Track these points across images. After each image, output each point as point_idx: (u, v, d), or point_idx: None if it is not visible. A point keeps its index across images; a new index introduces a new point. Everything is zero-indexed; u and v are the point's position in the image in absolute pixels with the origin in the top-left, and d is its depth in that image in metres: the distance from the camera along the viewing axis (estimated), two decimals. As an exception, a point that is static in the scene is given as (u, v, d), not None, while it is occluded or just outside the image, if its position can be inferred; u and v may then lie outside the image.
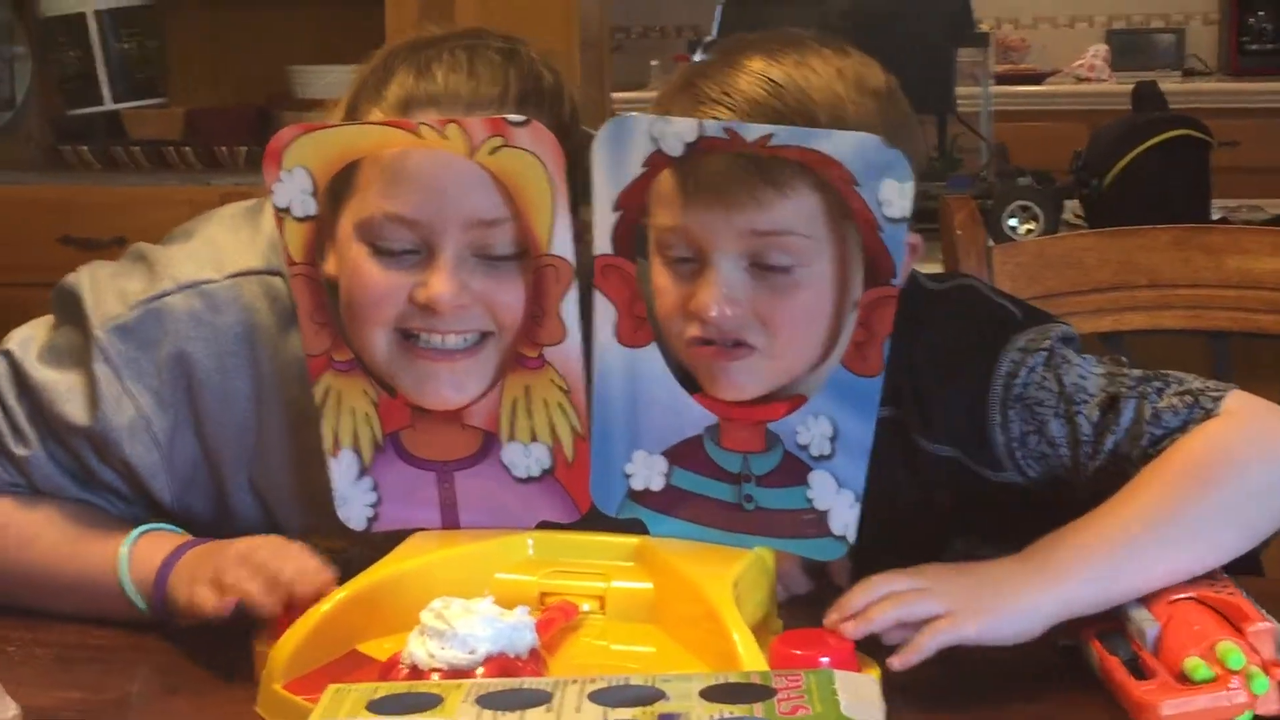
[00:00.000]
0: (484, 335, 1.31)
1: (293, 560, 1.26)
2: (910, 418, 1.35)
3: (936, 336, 1.35)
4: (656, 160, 1.23)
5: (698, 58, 3.34)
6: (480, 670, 1.10)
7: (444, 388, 1.31)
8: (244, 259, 1.42)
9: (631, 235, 1.26)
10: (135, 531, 1.36)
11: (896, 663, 1.15)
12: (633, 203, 1.25)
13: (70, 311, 1.43)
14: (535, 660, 1.13)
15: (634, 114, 1.23)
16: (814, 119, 1.23)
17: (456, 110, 1.30)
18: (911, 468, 1.36)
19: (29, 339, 1.43)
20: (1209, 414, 1.27)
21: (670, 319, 1.28)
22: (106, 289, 1.42)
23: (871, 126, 1.22)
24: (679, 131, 1.21)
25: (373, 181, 1.29)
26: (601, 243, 1.27)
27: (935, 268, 1.95)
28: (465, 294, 1.28)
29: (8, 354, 1.42)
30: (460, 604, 1.13)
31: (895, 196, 1.18)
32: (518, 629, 1.13)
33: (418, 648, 1.11)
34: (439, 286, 1.28)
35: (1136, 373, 1.31)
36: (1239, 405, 1.28)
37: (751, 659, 1.11)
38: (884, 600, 1.17)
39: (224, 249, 1.43)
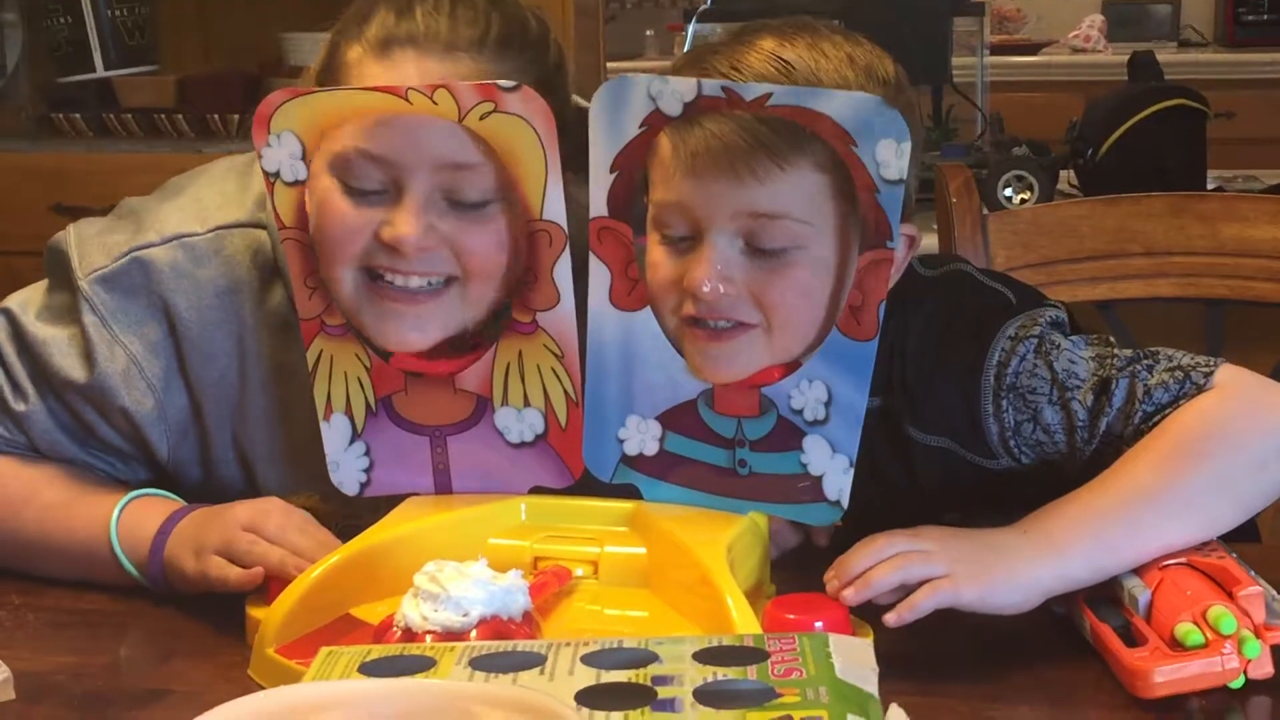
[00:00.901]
0: (449, 280, 1.30)
1: (310, 535, 1.27)
2: (900, 407, 1.35)
3: (927, 325, 1.34)
4: (654, 120, 1.22)
5: (692, 28, 3.33)
6: (473, 633, 1.10)
7: (406, 329, 1.30)
8: (228, 213, 1.42)
9: (628, 198, 1.26)
10: (127, 496, 1.36)
11: (892, 619, 1.15)
12: (630, 164, 1.24)
13: (59, 269, 1.43)
14: (529, 623, 1.13)
15: (632, 74, 1.23)
16: None
17: (434, 50, 1.30)
18: (902, 458, 1.36)
19: (27, 300, 1.44)
20: (1200, 389, 1.27)
21: (663, 294, 1.27)
22: (91, 243, 1.42)
23: None
24: (677, 90, 1.21)
25: (347, 118, 1.28)
26: (597, 205, 1.26)
27: (930, 238, 1.94)
28: (431, 235, 1.28)
29: (7, 311, 1.43)
30: (454, 567, 1.13)
31: (893, 157, 1.18)
32: (511, 592, 1.13)
33: (411, 610, 1.11)
34: (404, 226, 1.27)
35: (1126, 352, 1.31)
36: (1230, 379, 1.28)
37: (746, 623, 1.11)
38: (885, 563, 1.17)
39: (209, 204, 1.43)
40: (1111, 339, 1.34)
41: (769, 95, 1.18)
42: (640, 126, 1.23)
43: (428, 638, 1.09)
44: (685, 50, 1.35)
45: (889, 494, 1.35)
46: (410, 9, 1.31)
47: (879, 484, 1.32)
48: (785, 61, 1.24)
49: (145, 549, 1.32)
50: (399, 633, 1.11)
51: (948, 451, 1.35)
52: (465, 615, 1.10)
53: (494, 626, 1.10)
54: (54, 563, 1.37)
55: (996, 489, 1.35)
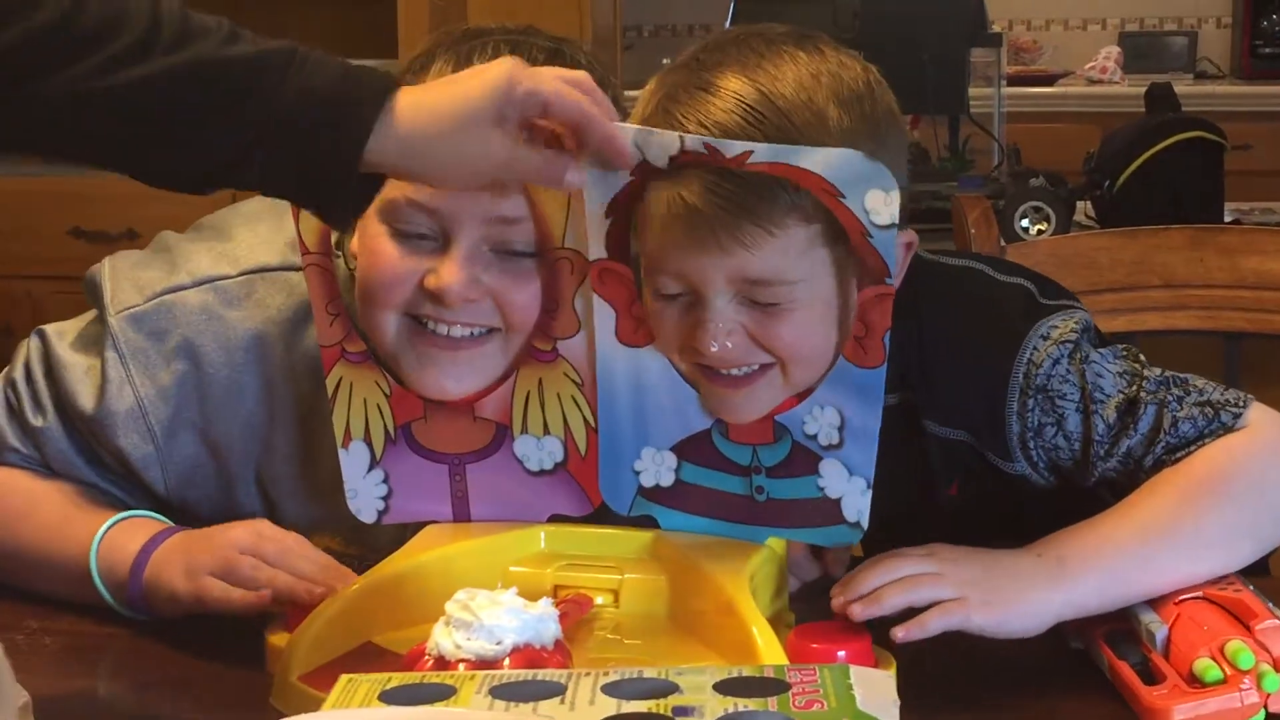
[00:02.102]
0: (490, 330, 1.30)
1: (310, 560, 1.27)
2: (920, 400, 1.34)
3: (947, 318, 1.34)
4: (642, 170, 1.21)
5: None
6: (507, 661, 1.09)
7: (444, 377, 1.31)
8: (261, 255, 1.43)
9: (624, 239, 1.26)
10: (115, 517, 1.36)
11: (900, 633, 1.15)
12: (624, 208, 1.24)
13: (94, 301, 1.44)
14: (560, 651, 1.13)
15: (618, 124, 1.22)
16: (794, 140, 1.20)
17: None
18: (918, 453, 1.36)
19: (66, 327, 1.45)
20: (1227, 429, 1.27)
21: (667, 345, 1.27)
22: (125, 278, 1.43)
23: (854, 134, 1.21)
24: (662, 143, 1.20)
25: None
26: (596, 248, 1.26)
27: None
28: (476, 287, 1.28)
29: (42, 333, 1.44)
30: (485, 595, 1.12)
31: (881, 205, 1.17)
32: (543, 620, 1.12)
33: (444, 639, 1.10)
34: (449, 276, 1.27)
35: (1156, 374, 1.31)
36: (1260, 420, 1.28)
37: (771, 652, 1.11)
38: (896, 583, 1.17)
39: (242, 245, 1.44)
40: (1141, 355, 1.34)
41: (750, 153, 1.17)
42: (630, 175, 1.22)
43: (461, 666, 1.08)
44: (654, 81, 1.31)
45: (904, 502, 1.35)
46: (468, 60, 1.31)
47: (895, 482, 1.31)
48: (751, 108, 1.21)
49: (125, 569, 1.32)
50: (431, 661, 1.10)
51: (965, 446, 1.34)
52: (499, 644, 1.09)
53: (527, 655, 1.10)
54: (47, 580, 1.37)
55: (1012, 509, 1.35)
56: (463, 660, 1.09)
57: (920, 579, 1.18)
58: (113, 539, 1.34)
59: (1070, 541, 1.22)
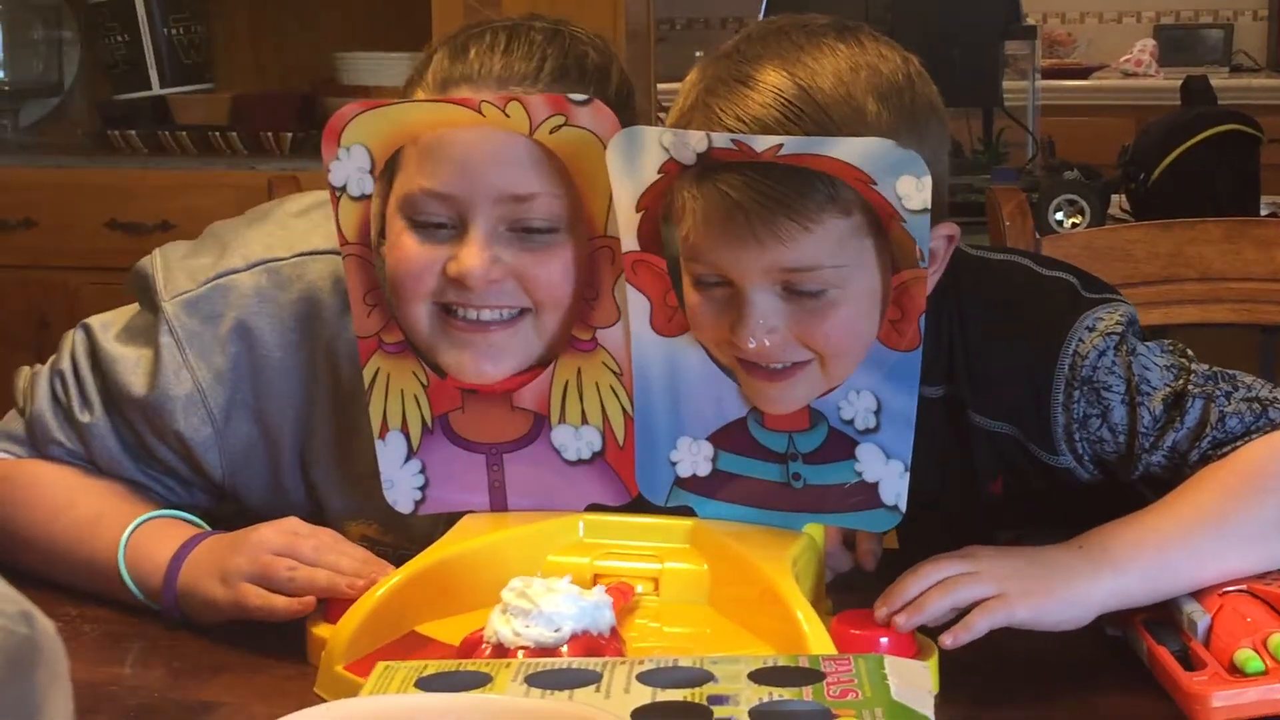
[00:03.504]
0: (521, 311, 1.31)
1: (347, 554, 1.28)
2: (964, 393, 1.34)
3: (990, 311, 1.34)
4: (670, 167, 1.21)
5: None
6: (565, 649, 1.09)
7: (481, 361, 1.31)
8: (313, 239, 1.44)
9: (656, 231, 1.26)
10: (142, 517, 1.36)
11: (948, 640, 1.15)
12: (655, 202, 1.24)
13: (143, 293, 1.45)
14: (616, 639, 1.13)
15: (643, 126, 1.22)
16: (832, 135, 1.19)
17: (488, 86, 1.30)
18: (963, 447, 1.36)
19: (110, 319, 1.46)
20: (1275, 425, 1.26)
21: (706, 338, 1.27)
22: (177, 267, 1.44)
23: (893, 128, 1.21)
24: (689, 142, 1.20)
25: (411, 159, 1.30)
26: (628, 241, 1.26)
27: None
28: (497, 268, 1.29)
29: (86, 327, 1.45)
30: (541, 583, 1.12)
31: (913, 190, 1.16)
32: (599, 607, 1.12)
33: (502, 626, 1.10)
34: (468, 260, 1.28)
35: (1203, 369, 1.30)
36: None
37: (817, 637, 1.11)
38: (935, 588, 1.17)
39: (295, 229, 1.46)
40: (1188, 350, 1.33)
41: (780, 145, 1.17)
42: (658, 173, 1.22)
43: (520, 653, 1.08)
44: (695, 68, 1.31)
45: (949, 489, 1.34)
46: (465, 50, 1.33)
47: (939, 476, 1.31)
48: (789, 103, 1.21)
49: (159, 576, 1.32)
50: (489, 649, 1.10)
51: (1009, 440, 1.34)
52: (557, 631, 1.09)
53: (584, 642, 1.10)
54: (79, 576, 1.38)
55: (1054, 493, 1.35)
56: (522, 647, 1.09)
57: (959, 580, 1.18)
58: (139, 543, 1.34)
59: (1112, 533, 1.21)
